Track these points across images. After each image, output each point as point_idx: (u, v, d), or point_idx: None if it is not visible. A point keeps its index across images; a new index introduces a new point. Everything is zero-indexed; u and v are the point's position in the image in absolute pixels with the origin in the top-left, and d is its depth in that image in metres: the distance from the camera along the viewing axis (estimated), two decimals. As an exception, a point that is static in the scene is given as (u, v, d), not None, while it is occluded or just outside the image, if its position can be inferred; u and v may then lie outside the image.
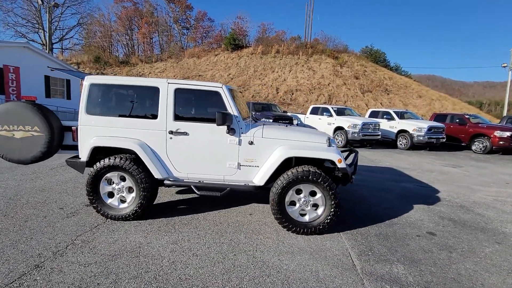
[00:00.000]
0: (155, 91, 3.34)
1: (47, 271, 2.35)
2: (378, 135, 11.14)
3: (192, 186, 3.42)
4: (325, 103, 21.16)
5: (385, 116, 12.23)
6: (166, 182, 3.42)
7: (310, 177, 3.12)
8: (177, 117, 3.34)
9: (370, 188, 5.46)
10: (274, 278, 2.41)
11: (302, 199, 3.27)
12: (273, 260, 2.70)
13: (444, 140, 11.19)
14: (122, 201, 3.42)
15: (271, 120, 10.95)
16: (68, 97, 15.18)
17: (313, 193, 3.26)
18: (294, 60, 27.69)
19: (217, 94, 3.34)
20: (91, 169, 3.33)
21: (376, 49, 31.31)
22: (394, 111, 12.16)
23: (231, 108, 3.32)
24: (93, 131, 3.36)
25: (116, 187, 3.38)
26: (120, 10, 43.30)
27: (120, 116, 3.37)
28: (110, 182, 3.38)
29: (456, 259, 2.89)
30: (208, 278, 2.36)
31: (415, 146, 11.13)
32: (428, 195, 5.17)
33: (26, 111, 3.22)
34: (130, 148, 3.26)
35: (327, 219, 3.22)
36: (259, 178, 3.29)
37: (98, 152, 3.39)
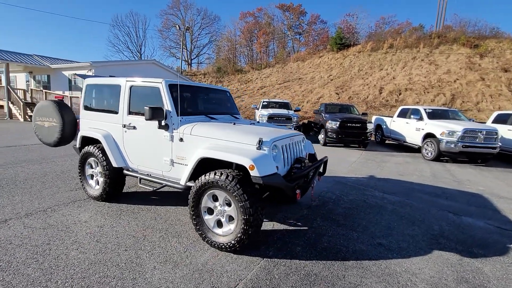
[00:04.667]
0: (119, 88, 3.73)
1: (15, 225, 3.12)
2: (494, 147, 7.72)
3: (139, 177, 3.60)
4: (443, 104, 16.58)
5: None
6: (124, 171, 3.76)
7: (219, 183, 2.65)
8: (130, 112, 3.60)
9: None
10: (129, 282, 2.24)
11: (218, 208, 2.82)
12: (148, 265, 2.50)
13: None
14: (98, 183, 4.01)
15: (338, 122, 9.73)
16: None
17: (229, 203, 2.75)
18: (412, 54, 23.17)
19: (157, 90, 3.36)
20: (82, 154, 4.10)
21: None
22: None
23: (167, 104, 3.27)
24: (85, 123, 4.12)
25: (94, 170, 4.01)
26: (243, 25, 49.14)
27: (98, 111, 3.98)
28: (91, 166, 4.05)
29: None
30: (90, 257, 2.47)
31: None
32: None
33: (50, 107, 4.33)
34: (96, 138, 3.80)
35: (237, 238, 2.64)
36: (183, 178, 3.08)
37: (87, 141, 4.12)
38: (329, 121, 10.06)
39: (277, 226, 3.45)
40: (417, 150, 9.43)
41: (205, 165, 2.98)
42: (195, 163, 2.91)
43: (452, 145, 7.81)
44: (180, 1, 44.97)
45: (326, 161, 3.61)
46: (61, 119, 4.25)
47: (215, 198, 2.84)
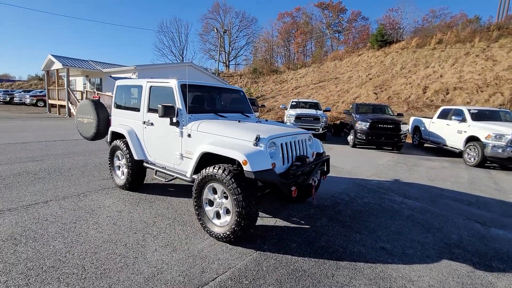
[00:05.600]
0: (141, 88, 4.12)
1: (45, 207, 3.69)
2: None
3: (156, 170, 3.94)
4: (501, 105, 14.72)
5: None
6: (144, 164, 4.15)
7: (217, 176, 2.81)
8: (149, 110, 3.96)
9: None
10: (130, 261, 2.53)
11: (217, 200, 2.99)
12: (151, 247, 2.77)
13: None
14: (123, 173, 4.47)
15: (368, 122, 9.34)
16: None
17: (226, 196, 2.90)
18: (464, 49, 20.99)
19: (171, 89, 3.65)
20: (113, 147, 4.61)
21: None
22: None
23: (178, 102, 3.54)
24: (115, 120, 4.62)
25: (120, 162, 4.47)
26: (280, 26, 49.06)
27: (125, 109, 4.44)
28: (118, 158, 4.53)
29: None
30: (102, 237, 2.85)
31: None
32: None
33: (88, 105, 4.93)
34: (122, 133, 4.24)
35: (231, 229, 2.77)
36: (189, 171, 3.32)
37: (116, 136, 4.62)
38: (359, 121, 9.66)
39: (279, 222, 3.51)
40: (459, 154, 8.58)
41: (210, 159, 3.17)
42: (198, 157, 3.13)
43: (500, 150, 6.96)
44: (219, 5, 46.69)
45: (328, 159, 3.55)
46: (96, 116, 4.82)
47: (214, 191, 3.01)
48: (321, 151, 3.90)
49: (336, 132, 13.57)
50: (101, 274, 2.32)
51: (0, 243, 2.71)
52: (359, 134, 9.60)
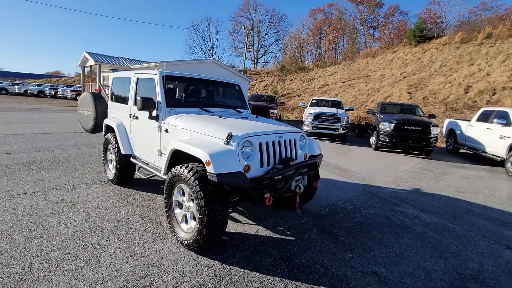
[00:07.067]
0: (129, 81, 3.96)
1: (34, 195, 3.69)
2: None
3: (139, 165, 3.76)
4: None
5: None
6: (131, 159, 3.99)
7: (182, 176, 2.52)
8: (135, 103, 3.78)
9: None
10: (84, 260, 2.35)
11: (185, 203, 2.69)
12: (110, 250, 2.56)
13: None
14: (114, 167, 4.37)
15: (393, 124, 8.54)
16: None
17: (193, 199, 2.59)
18: (518, 44, 18.54)
19: (153, 81, 3.42)
20: (106, 140, 4.54)
21: None
22: None
23: (158, 94, 3.30)
24: (110, 113, 4.54)
25: (112, 156, 4.38)
26: (312, 23, 47.69)
27: (117, 101, 4.32)
28: (110, 152, 4.44)
29: None
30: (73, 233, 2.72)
31: None
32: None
33: (89, 98, 4.93)
34: (112, 126, 4.13)
35: (194, 237, 2.46)
36: (163, 169, 3.06)
37: (109, 129, 4.53)
38: (383, 122, 8.80)
39: (262, 231, 3.13)
40: (500, 163, 7.42)
41: (185, 158, 2.89)
42: (169, 154, 2.86)
43: (551, 161, 5.83)
44: (249, 2, 46.56)
45: (315, 163, 3.06)
46: (94, 109, 4.79)
47: (183, 193, 2.72)
48: (316, 153, 3.42)
49: (360, 133, 12.66)
50: (43, 276, 2.14)
51: (-33, 233, 2.67)
52: (382, 136, 8.76)
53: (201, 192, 2.35)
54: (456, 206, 4.46)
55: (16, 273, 2.16)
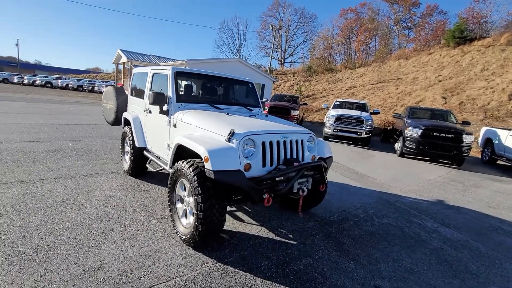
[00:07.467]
0: (146, 76, 4.08)
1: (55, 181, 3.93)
2: None
3: (150, 158, 3.86)
4: None
5: None
6: (144, 152, 4.11)
7: (183, 171, 2.53)
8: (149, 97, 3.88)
9: None
10: (86, 246, 2.45)
11: (186, 198, 2.70)
12: (112, 238, 2.64)
13: None
14: (129, 159, 4.54)
15: (421, 130, 8.06)
16: (262, 97, 19.32)
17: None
18: None
19: (166, 77, 3.48)
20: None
21: None
22: None
23: (169, 89, 3.35)
24: (129, 107, 4.72)
25: (128, 148, 4.55)
26: (342, 23, 46.40)
27: (135, 96, 4.47)
28: (127, 144, 4.61)
29: None
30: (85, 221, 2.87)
31: None
32: None
33: (111, 92, 5.16)
34: (129, 119, 4.28)
35: (191, 232, 2.46)
36: (169, 163, 3.11)
37: (127, 122, 4.71)
38: (410, 127, 8.29)
39: (263, 232, 3.06)
40: (544, 179, 6.66)
41: (189, 154, 2.90)
42: (174, 149, 2.89)
43: None
44: (279, 2, 46.30)
45: (320, 165, 2.91)
46: (116, 102, 5.01)
47: (185, 188, 2.74)
48: (326, 156, 3.28)
49: (386, 138, 12.06)
50: (47, 258, 2.26)
51: (-10, 212, 2.90)
52: (409, 142, 8.25)
53: (199, 188, 2.34)
54: (484, 222, 4.06)
55: (24, 253, 2.30)
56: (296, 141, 2.92)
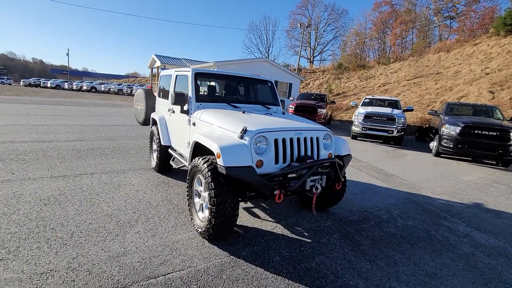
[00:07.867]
0: (171, 78, 4.31)
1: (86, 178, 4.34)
2: None
3: (174, 156, 4.07)
4: None
5: None
6: (169, 150, 4.35)
7: (198, 167, 2.66)
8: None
9: None
10: (109, 236, 2.69)
11: (202, 193, 2.82)
12: (136, 228, 2.85)
13: None
14: (156, 157, 4.82)
15: (460, 127, 7.50)
16: (289, 96, 19.18)
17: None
18: None
19: (187, 78, 3.65)
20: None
21: None
22: None
23: (189, 90, 3.51)
24: (157, 108, 5.02)
25: (155, 147, 4.84)
26: (376, 16, 44.30)
27: (162, 97, 4.75)
28: (155, 142, 4.91)
29: None
30: (114, 212, 3.16)
31: None
32: None
33: (141, 94, 5.53)
34: (156, 119, 4.56)
35: (205, 226, 2.57)
36: (188, 160, 3.26)
37: (155, 122, 5.00)
38: (447, 124, 7.69)
39: (278, 229, 3.09)
40: None
41: (206, 151, 3.03)
42: (192, 146, 3.03)
43: None
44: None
45: (334, 163, 2.83)
46: (145, 104, 5.36)
47: (201, 183, 2.86)
48: (344, 154, 3.20)
49: (421, 136, 11.30)
50: (79, 244, 2.52)
51: (36, 202, 3.29)
52: (446, 140, 7.66)
53: (212, 183, 2.44)
54: (529, 228, 3.65)
55: (61, 238, 2.58)
56: (311, 138, 2.90)
